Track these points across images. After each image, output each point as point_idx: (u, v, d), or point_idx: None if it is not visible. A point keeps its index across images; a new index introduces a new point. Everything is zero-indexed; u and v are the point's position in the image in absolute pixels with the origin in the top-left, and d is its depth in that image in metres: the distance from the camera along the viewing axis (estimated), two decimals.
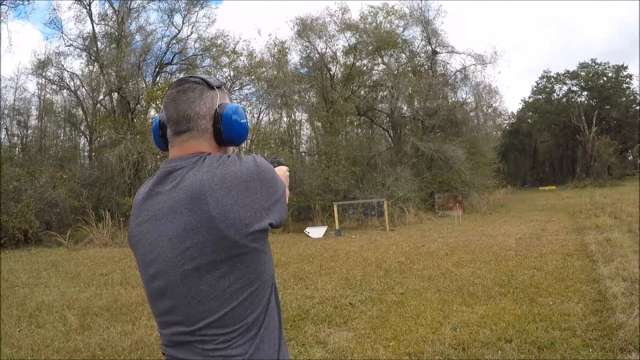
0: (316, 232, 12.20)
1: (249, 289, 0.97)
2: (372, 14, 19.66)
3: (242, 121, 1.08)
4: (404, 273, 6.22)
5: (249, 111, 19.42)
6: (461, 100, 21.98)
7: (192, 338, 0.96)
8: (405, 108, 21.30)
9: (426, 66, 21.54)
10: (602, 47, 72.21)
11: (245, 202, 0.96)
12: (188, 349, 0.96)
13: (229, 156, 1.02)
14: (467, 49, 33.03)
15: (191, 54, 18.89)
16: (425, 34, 20.55)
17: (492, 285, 5.15)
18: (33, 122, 21.90)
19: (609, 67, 39.62)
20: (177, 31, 18.29)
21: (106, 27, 17.51)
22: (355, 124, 21.67)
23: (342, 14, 19.18)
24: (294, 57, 24.06)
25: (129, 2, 17.17)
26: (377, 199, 14.01)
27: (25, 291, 6.13)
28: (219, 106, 1.06)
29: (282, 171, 1.33)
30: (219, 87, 1.09)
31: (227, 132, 1.05)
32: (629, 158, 46.35)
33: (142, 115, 17.68)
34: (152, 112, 17.91)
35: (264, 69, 18.57)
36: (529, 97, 45.38)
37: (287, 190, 1.27)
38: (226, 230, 0.93)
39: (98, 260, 8.81)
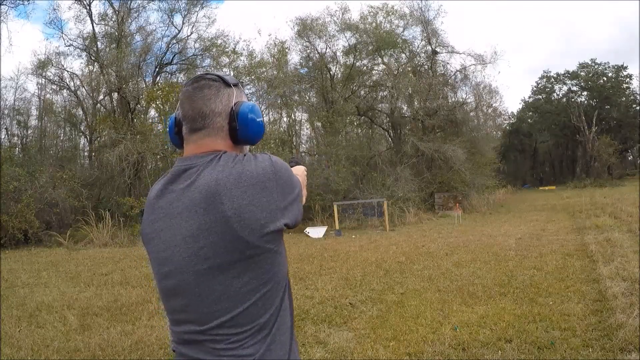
0: (316, 232, 12.20)
1: (262, 289, 0.96)
2: (372, 14, 19.73)
3: (258, 120, 1.06)
4: (404, 273, 6.21)
5: None
6: (461, 100, 22.01)
7: (204, 337, 0.95)
8: (405, 108, 21.32)
9: (426, 66, 21.53)
10: (602, 47, 72.44)
11: (261, 202, 0.94)
12: (199, 348, 0.96)
13: (244, 155, 1.00)
14: (467, 49, 33.23)
15: (191, 54, 18.93)
16: (425, 34, 20.57)
17: (492, 285, 5.15)
18: (33, 122, 21.91)
19: (609, 67, 39.74)
20: (177, 31, 18.34)
21: (106, 27, 17.56)
22: (355, 124, 21.68)
23: (342, 14, 19.26)
24: (294, 57, 24.06)
25: (129, 2, 17.21)
26: (377, 199, 13.99)
27: (25, 291, 6.12)
28: (235, 104, 1.05)
29: (299, 171, 1.32)
30: (235, 85, 1.08)
31: (243, 130, 1.04)
32: (629, 158, 46.44)
33: (142, 115, 17.70)
34: (152, 112, 17.96)
35: (264, 69, 18.58)
36: (529, 97, 45.57)
37: (304, 191, 1.26)
38: (241, 230, 0.92)
39: (98, 260, 8.81)
